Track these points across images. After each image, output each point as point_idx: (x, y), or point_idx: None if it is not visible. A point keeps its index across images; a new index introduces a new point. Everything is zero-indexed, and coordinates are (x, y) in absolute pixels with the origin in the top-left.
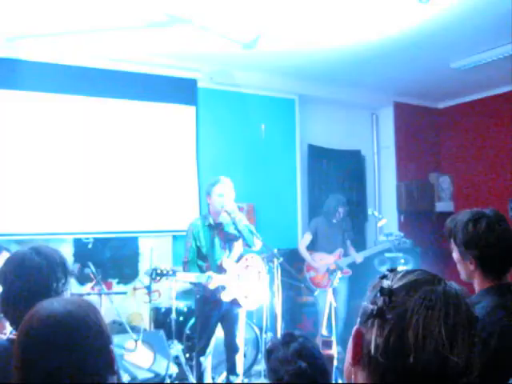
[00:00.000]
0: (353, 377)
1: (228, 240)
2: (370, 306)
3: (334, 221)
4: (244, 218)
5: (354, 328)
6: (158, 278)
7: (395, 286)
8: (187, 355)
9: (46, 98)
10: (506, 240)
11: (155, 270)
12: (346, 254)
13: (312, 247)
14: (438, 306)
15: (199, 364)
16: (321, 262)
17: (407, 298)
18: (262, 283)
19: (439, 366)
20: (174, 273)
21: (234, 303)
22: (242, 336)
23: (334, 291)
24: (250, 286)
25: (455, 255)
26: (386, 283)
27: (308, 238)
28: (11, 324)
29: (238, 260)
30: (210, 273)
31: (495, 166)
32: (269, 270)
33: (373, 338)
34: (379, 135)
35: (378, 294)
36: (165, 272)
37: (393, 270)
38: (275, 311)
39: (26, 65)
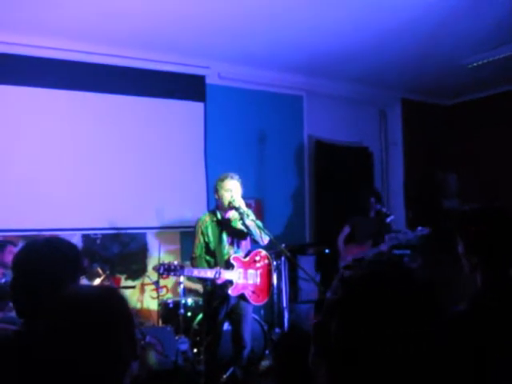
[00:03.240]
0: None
1: (236, 236)
2: (331, 297)
3: (371, 215)
4: (251, 214)
5: (315, 320)
6: (166, 273)
7: (355, 277)
8: (195, 350)
9: (55, 94)
10: (508, 235)
11: (163, 265)
12: None
13: (349, 240)
14: (393, 300)
15: (207, 359)
16: (350, 253)
17: (365, 289)
18: (269, 279)
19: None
20: (182, 268)
21: (242, 298)
22: (249, 331)
23: None
24: (258, 282)
25: (460, 249)
26: (347, 274)
27: (346, 230)
28: (18, 313)
29: (246, 256)
30: (217, 268)
31: (504, 163)
32: (275, 265)
33: (332, 328)
34: (387, 132)
35: (338, 284)
36: (172, 267)
37: (358, 260)
38: (282, 306)
39: (34, 61)
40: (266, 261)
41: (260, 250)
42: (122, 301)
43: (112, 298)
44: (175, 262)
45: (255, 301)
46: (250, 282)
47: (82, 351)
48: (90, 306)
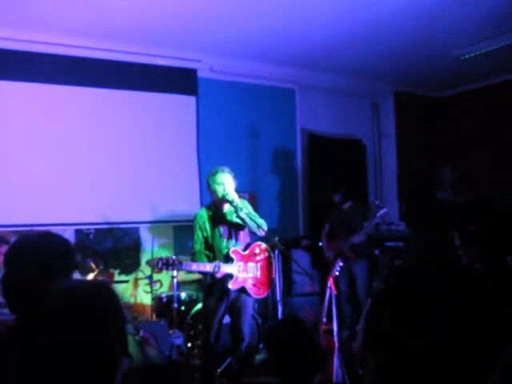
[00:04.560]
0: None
1: (233, 229)
2: (382, 286)
3: (345, 207)
4: (247, 205)
5: (366, 308)
6: (165, 267)
7: (408, 266)
8: (189, 344)
9: (48, 89)
10: (506, 225)
11: (161, 259)
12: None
13: (331, 235)
14: (443, 288)
15: (203, 355)
16: (330, 249)
17: (418, 277)
18: (269, 272)
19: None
20: (181, 263)
21: (242, 292)
22: (248, 324)
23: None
24: (258, 275)
25: (457, 242)
26: (398, 263)
27: (326, 227)
28: (11, 309)
29: (245, 249)
30: (217, 262)
31: (498, 155)
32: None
33: (385, 317)
34: (380, 124)
35: (390, 274)
36: (171, 262)
37: (403, 251)
38: (276, 300)
39: (28, 56)
40: (266, 253)
41: (260, 242)
42: (114, 297)
43: (103, 295)
44: (173, 257)
45: (256, 294)
46: (250, 274)
47: (72, 348)
48: (80, 302)
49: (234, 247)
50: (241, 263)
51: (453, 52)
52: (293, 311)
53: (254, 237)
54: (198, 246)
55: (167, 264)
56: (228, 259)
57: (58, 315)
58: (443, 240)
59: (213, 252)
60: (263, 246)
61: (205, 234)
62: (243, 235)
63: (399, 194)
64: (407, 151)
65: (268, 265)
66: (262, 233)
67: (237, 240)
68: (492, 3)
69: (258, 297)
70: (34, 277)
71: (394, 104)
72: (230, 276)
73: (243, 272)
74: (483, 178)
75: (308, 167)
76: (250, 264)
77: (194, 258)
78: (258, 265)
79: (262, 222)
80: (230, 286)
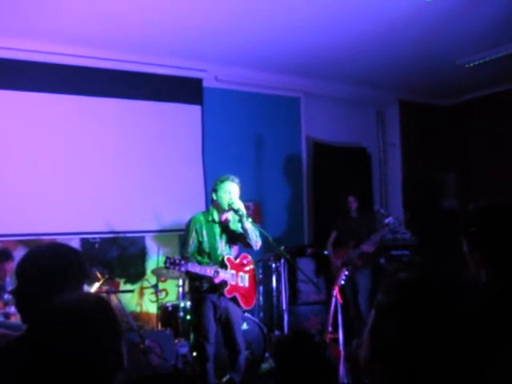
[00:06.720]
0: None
1: (230, 237)
2: (386, 298)
3: (353, 215)
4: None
5: (370, 320)
6: (172, 266)
7: (413, 280)
8: (194, 353)
9: (56, 98)
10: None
11: (169, 258)
12: None
13: (338, 243)
14: (453, 305)
15: (204, 371)
16: (337, 257)
17: (423, 292)
18: (254, 284)
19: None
20: (186, 263)
21: (232, 302)
22: (241, 335)
23: (348, 287)
24: (247, 285)
25: (465, 248)
26: (402, 276)
27: (333, 234)
28: (22, 318)
29: (236, 258)
30: (216, 267)
31: (502, 163)
32: (275, 268)
33: (390, 330)
34: (385, 133)
35: (394, 287)
36: (177, 261)
37: (408, 263)
38: (282, 309)
39: (31, 66)
40: (252, 266)
41: (246, 254)
42: (109, 312)
43: (100, 311)
44: (180, 257)
45: (245, 304)
46: (241, 284)
47: (70, 359)
48: (79, 316)
49: (228, 255)
50: (234, 271)
51: (457, 60)
52: (298, 320)
53: (240, 249)
54: (192, 249)
55: (174, 263)
56: (222, 266)
57: (59, 327)
58: (449, 248)
59: (204, 257)
60: (249, 257)
61: (200, 239)
62: (235, 246)
63: (404, 202)
64: (412, 159)
65: (253, 277)
66: (257, 247)
67: (230, 248)
68: (497, 11)
69: (246, 308)
70: (46, 289)
71: (398, 112)
72: (225, 283)
73: (235, 281)
74: (488, 186)
75: (313, 176)
76: (241, 274)
77: (186, 261)
78: (246, 276)
79: (265, 232)
80: (226, 292)
